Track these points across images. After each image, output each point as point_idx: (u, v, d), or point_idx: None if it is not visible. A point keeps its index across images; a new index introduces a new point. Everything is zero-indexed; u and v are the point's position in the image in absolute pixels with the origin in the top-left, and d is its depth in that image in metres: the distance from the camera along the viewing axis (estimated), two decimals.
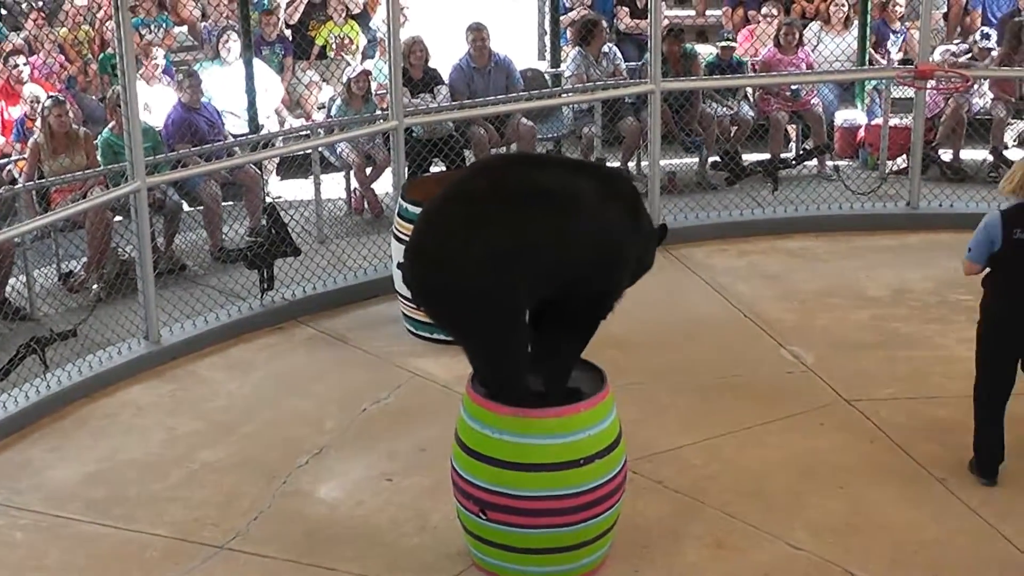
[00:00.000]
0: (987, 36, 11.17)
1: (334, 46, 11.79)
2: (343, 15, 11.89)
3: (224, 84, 10.62)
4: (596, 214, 5.18)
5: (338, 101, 10.33)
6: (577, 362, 5.47)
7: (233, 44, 10.60)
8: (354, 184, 10.31)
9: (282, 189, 10.67)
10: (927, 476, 6.29)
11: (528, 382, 5.31)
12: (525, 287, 5.10)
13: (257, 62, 10.71)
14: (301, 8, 11.95)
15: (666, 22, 11.63)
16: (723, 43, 11.30)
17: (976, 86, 11.05)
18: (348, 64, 11.22)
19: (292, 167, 10.62)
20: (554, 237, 5.09)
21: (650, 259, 5.52)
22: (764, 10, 11.97)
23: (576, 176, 5.31)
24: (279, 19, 11.61)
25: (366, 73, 10.32)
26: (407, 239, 7.67)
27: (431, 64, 10.51)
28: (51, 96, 9.30)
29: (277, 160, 10.62)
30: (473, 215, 5.11)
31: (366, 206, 10.21)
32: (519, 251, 5.04)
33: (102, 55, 11.05)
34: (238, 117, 10.51)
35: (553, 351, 5.38)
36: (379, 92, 10.29)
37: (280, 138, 10.09)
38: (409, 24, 11.61)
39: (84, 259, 8.86)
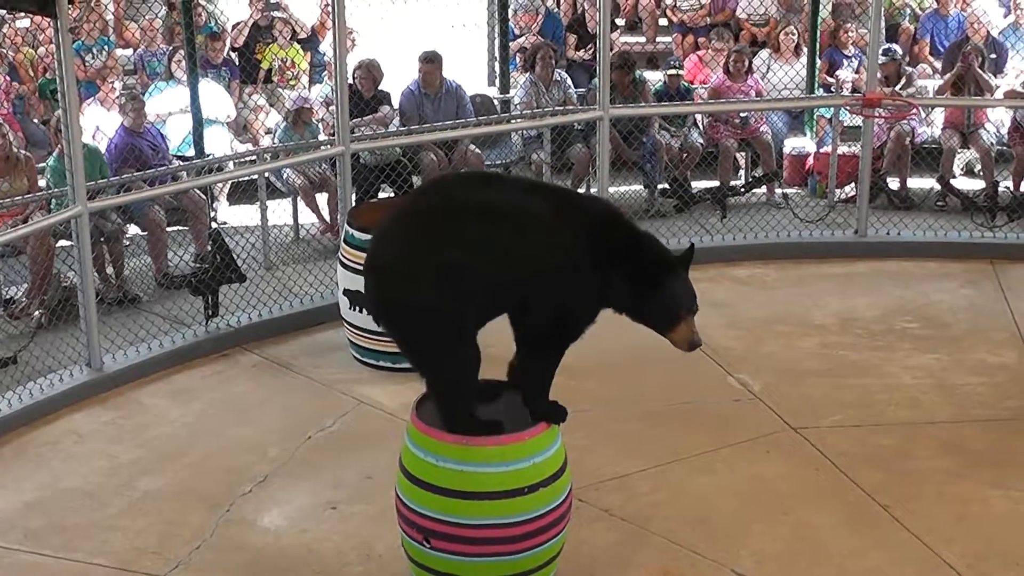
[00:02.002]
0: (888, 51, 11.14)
1: (277, 70, 11.76)
2: (288, 38, 11.86)
3: (177, 104, 10.61)
4: (547, 234, 5.10)
5: (283, 125, 10.29)
6: (547, 383, 5.36)
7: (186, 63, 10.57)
8: (303, 208, 10.26)
9: (230, 214, 10.62)
10: (872, 503, 6.29)
11: (473, 407, 5.25)
12: (473, 305, 5.06)
13: (207, 81, 10.68)
14: (246, 31, 11.90)
15: (617, 48, 11.69)
16: (671, 71, 11.33)
17: (924, 115, 11.16)
18: (292, 88, 11.22)
19: (238, 192, 10.58)
20: (502, 255, 5.05)
21: (652, 299, 5.26)
22: (714, 40, 12.06)
23: (530, 196, 5.23)
24: (224, 44, 11.55)
25: (311, 108, 10.30)
26: (353, 265, 7.75)
27: (382, 87, 10.51)
28: None
29: (229, 185, 10.59)
30: (421, 231, 5.07)
31: (331, 226, 10.14)
32: (465, 268, 4.99)
33: (42, 80, 10.97)
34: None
35: (525, 367, 5.33)
36: (325, 117, 10.27)
37: (226, 162, 10.02)
38: (358, 48, 11.60)
39: (25, 285, 8.76)
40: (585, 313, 5.28)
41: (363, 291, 5.28)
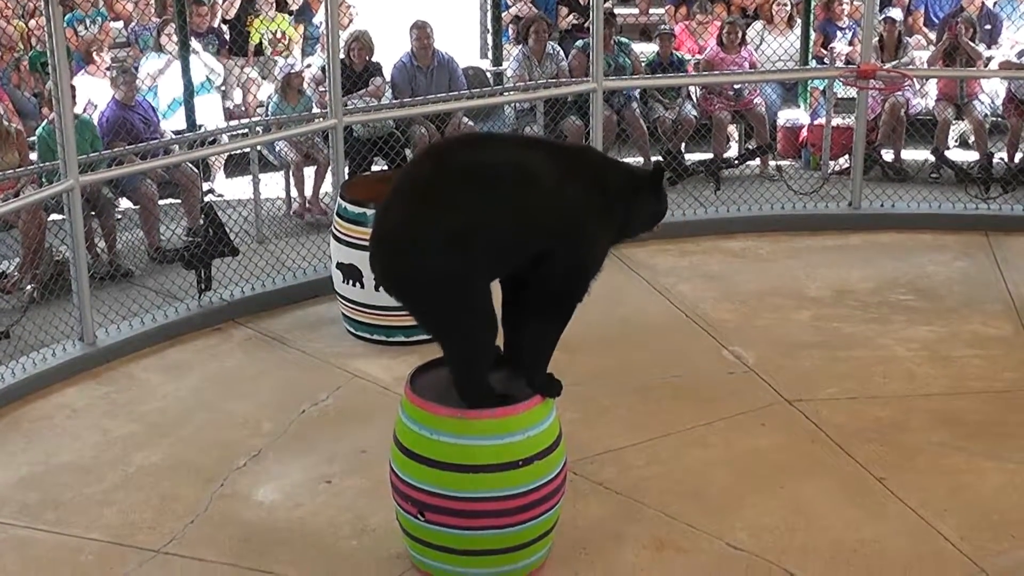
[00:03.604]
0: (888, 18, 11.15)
1: (267, 43, 11.71)
2: (272, 8, 11.79)
3: (167, 75, 10.59)
4: (552, 188, 5.11)
5: (275, 98, 10.26)
6: (549, 354, 5.38)
7: (175, 35, 10.52)
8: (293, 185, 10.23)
9: (226, 187, 10.60)
10: (867, 475, 6.29)
11: (488, 379, 5.24)
12: (484, 267, 5.05)
13: (198, 49, 10.65)
14: (237, 3, 11.82)
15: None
16: (662, 32, 11.31)
17: (918, 86, 11.13)
18: (284, 60, 11.17)
19: (231, 165, 10.56)
20: (508, 213, 5.04)
21: (643, 211, 5.44)
22: (697, 13, 12.04)
23: (529, 151, 5.28)
24: (210, 12, 11.48)
25: (299, 73, 10.25)
26: (346, 238, 7.73)
27: (374, 59, 10.47)
28: None
29: (224, 158, 10.56)
30: (423, 198, 5.05)
31: (307, 206, 10.11)
32: (473, 230, 4.97)
33: (32, 52, 10.92)
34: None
35: (528, 334, 5.32)
36: (320, 89, 10.23)
37: (218, 135, 9.98)
38: (352, 23, 11.55)
39: (17, 259, 8.73)
40: (602, 255, 5.33)
41: (371, 265, 5.23)
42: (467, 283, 5.03)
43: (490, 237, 5.01)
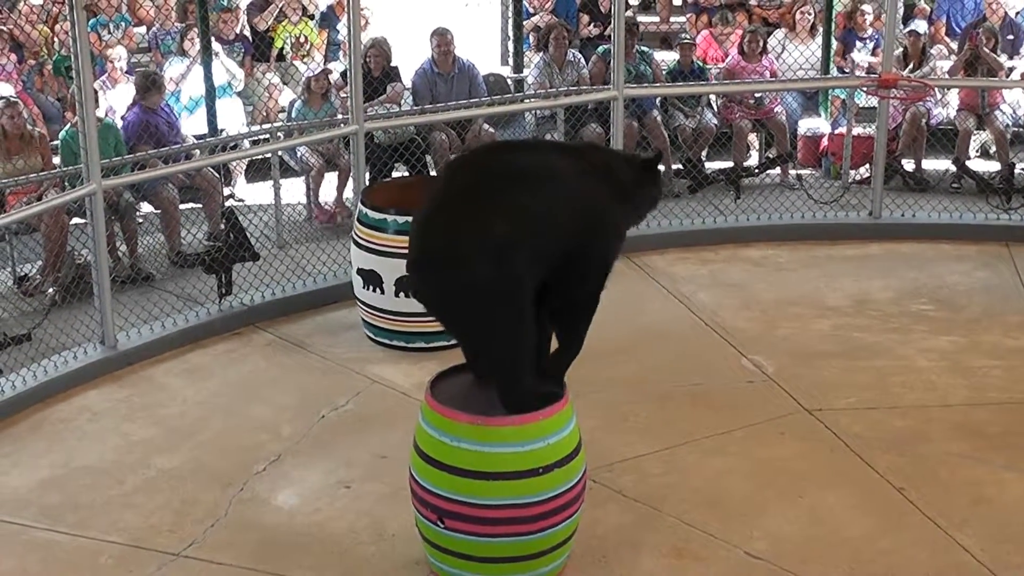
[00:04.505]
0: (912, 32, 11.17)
1: (290, 47, 11.74)
2: (299, 15, 11.82)
3: (189, 80, 10.62)
4: (575, 187, 5.19)
5: (298, 103, 10.28)
6: (581, 345, 5.47)
7: (198, 40, 10.55)
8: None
9: (247, 192, 10.63)
10: (886, 486, 6.28)
11: (531, 381, 5.25)
12: (529, 275, 5.07)
13: (218, 50, 10.69)
14: (271, 17, 11.85)
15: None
16: (683, 42, 11.32)
17: (939, 96, 11.11)
18: (305, 66, 11.20)
19: (252, 170, 10.58)
20: (545, 218, 5.07)
21: (647, 197, 5.61)
22: (719, 24, 12.05)
23: (544, 155, 5.39)
24: (238, 19, 11.52)
25: (326, 72, 10.26)
26: (367, 244, 7.74)
27: (393, 64, 10.49)
28: (3, 98, 9.19)
29: (245, 163, 10.59)
30: (461, 213, 5.06)
31: (335, 209, 10.12)
32: (516, 238, 4.99)
33: (56, 56, 10.96)
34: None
35: (564, 332, 5.44)
36: (341, 95, 10.26)
37: (240, 140, 10.01)
38: (371, 26, 11.57)
39: (39, 262, 8.77)
40: (621, 245, 5.47)
41: (412, 282, 5.25)
42: (515, 295, 5.04)
43: (531, 245, 5.03)
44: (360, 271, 7.88)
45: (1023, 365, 7.60)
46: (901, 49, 10.63)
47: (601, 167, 5.39)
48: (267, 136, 9.91)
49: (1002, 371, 7.52)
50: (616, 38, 9.35)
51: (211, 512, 6.15)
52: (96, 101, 7.99)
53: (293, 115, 10.20)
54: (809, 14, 11.73)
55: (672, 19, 13.53)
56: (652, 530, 5.93)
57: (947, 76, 11.14)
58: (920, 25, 11.47)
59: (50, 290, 8.49)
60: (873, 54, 11.55)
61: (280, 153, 9.81)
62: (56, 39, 11.20)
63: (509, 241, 4.97)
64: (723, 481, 6.35)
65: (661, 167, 5.78)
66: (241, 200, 10.49)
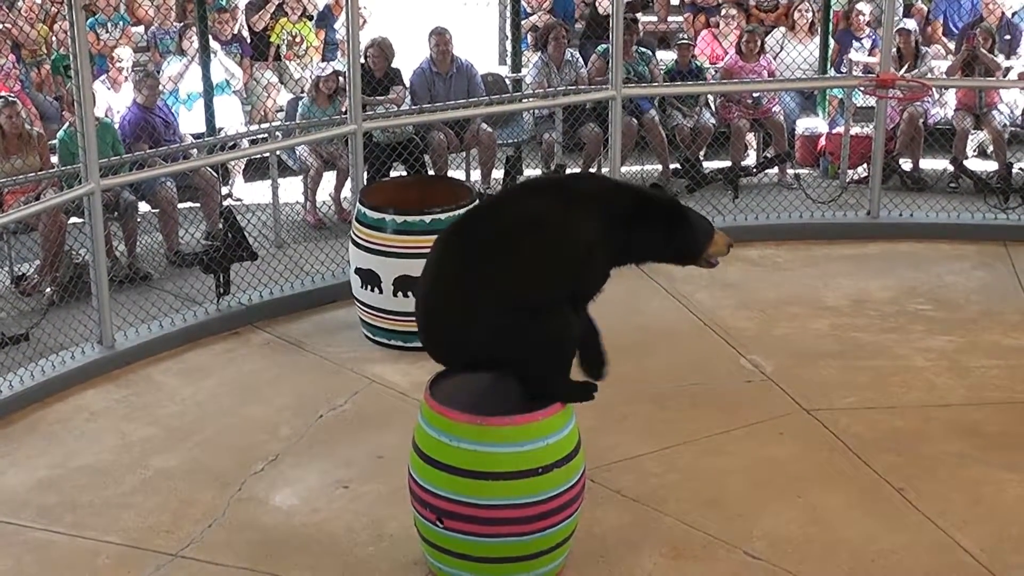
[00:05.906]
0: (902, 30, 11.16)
1: (285, 46, 11.71)
2: (298, 13, 11.80)
3: (187, 79, 10.61)
4: (571, 231, 5.19)
5: (305, 99, 10.25)
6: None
7: (196, 39, 10.53)
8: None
9: (245, 192, 10.61)
10: (885, 486, 6.28)
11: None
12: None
13: (216, 49, 10.66)
14: (268, 15, 11.83)
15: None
16: (680, 43, 11.31)
17: (937, 95, 11.11)
18: (299, 67, 11.18)
19: (250, 170, 10.57)
20: (569, 270, 5.18)
21: (652, 236, 5.44)
22: (723, 12, 12.03)
23: (536, 199, 5.34)
24: (235, 20, 11.50)
25: (336, 73, 10.25)
26: (365, 244, 7.73)
27: (393, 65, 10.47)
28: (1, 97, 9.18)
29: (244, 162, 10.58)
30: (465, 279, 5.16)
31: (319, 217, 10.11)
32: (523, 294, 5.11)
33: (55, 55, 10.94)
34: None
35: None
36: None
37: (238, 140, 9.99)
38: (368, 25, 11.55)
39: (37, 262, 8.75)
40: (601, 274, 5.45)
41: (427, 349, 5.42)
42: (564, 336, 5.27)
43: (561, 296, 5.18)
44: (358, 271, 7.87)
45: (1022, 365, 7.60)
46: (895, 49, 10.60)
47: (589, 205, 5.31)
48: (265, 136, 9.89)
49: (1001, 370, 7.52)
50: (614, 37, 9.35)
51: (209, 512, 6.14)
52: (95, 101, 7.97)
53: (300, 112, 10.16)
54: (808, 12, 11.71)
55: (670, 18, 13.49)
56: (651, 530, 5.93)
57: (944, 76, 11.14)
58: (909, 23, 11.45)
59: (48, 290, 8.49)
60: (870, 54, 11.53)
61: (278, 153, 9.79)
62: (55, 38, 11.17)
63: (542, 298, 5.13)
64: (722, 481, 6.35)
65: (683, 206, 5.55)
66: (239, 199, 10.48)
